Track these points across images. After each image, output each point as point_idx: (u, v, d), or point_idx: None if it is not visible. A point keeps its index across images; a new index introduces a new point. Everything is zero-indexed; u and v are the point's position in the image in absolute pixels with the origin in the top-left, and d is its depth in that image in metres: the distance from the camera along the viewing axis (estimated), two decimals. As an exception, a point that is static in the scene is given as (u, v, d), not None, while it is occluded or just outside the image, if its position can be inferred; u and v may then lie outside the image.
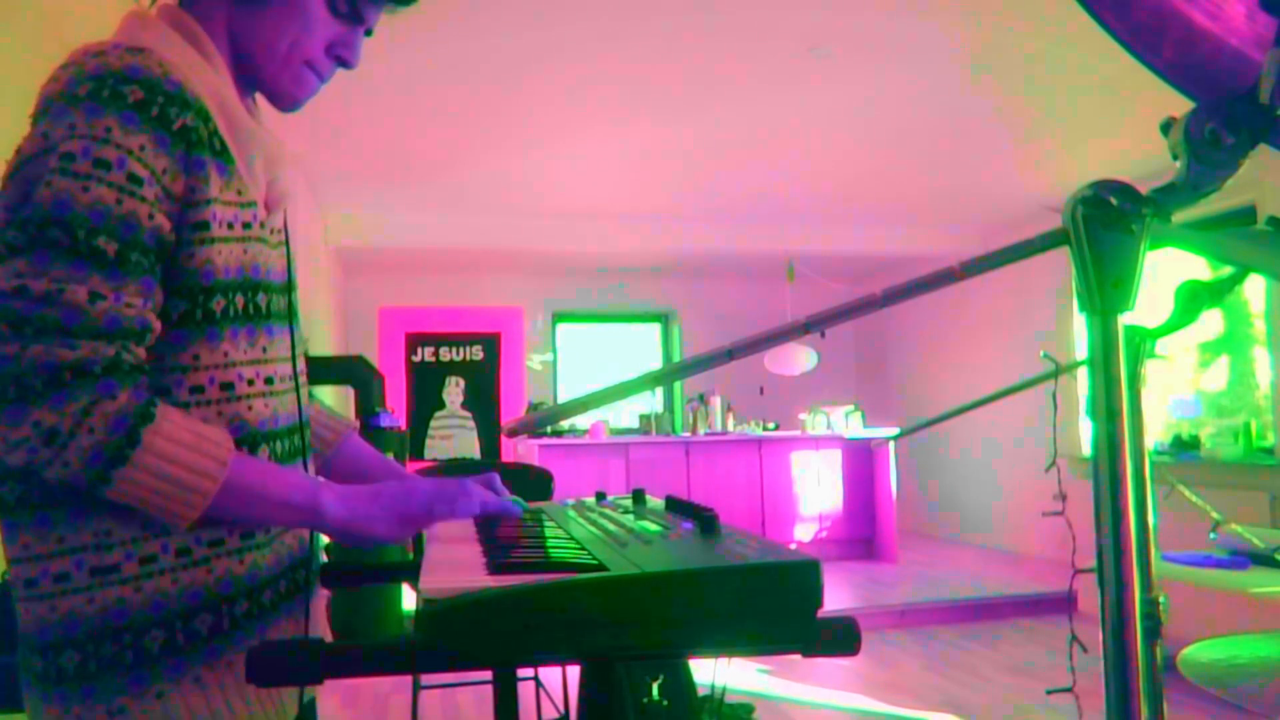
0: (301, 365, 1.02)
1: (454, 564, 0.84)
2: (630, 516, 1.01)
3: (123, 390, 0.74)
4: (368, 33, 0.98)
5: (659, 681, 0.88)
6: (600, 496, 1.24)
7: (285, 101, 0.97)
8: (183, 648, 0.81)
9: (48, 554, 0.80)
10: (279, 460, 0.93)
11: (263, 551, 0.90)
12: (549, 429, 6.13)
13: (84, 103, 0.77)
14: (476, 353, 7.59)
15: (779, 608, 0.65)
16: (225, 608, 0.85)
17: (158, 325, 0.80)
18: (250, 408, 0.88)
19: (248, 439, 0.88)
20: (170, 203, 0.80)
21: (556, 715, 2.35)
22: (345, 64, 0.98)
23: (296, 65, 0.94)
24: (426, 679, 2.56)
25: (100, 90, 0.77)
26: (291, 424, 0.96)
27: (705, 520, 0.86)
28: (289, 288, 1.00)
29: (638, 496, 1.18)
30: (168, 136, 0.79)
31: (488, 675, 1.81)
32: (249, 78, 0.95)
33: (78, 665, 0.79)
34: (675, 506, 1.04)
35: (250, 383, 0.89)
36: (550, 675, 2.87)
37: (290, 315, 0.99)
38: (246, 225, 0.88)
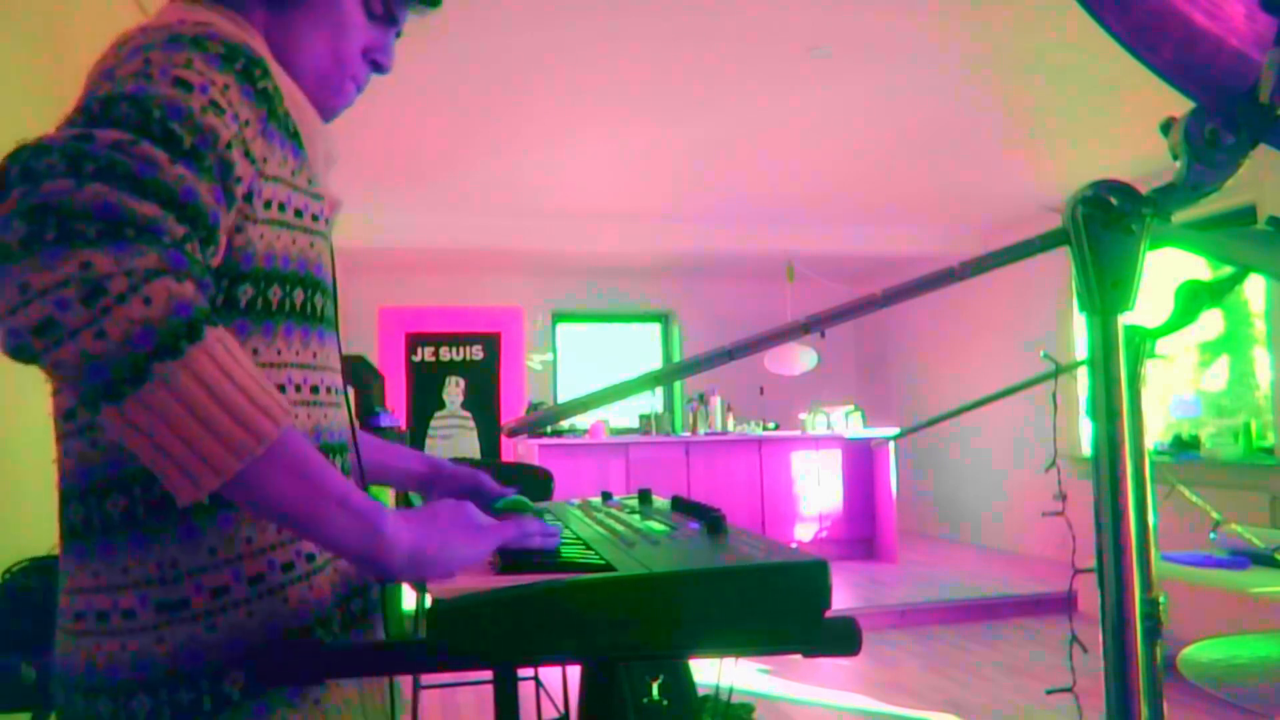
0: None
1: None
2: (637, 517, 1.01)
3: (188, 277, 0.58)
4: (397, 34, 0.96)
5: (659, 681, 0.88)
6: (606, 496, 1.24)
7: (322, 113, 0.91)
8: (266, 690, 0.71)
9: (117, 586, 0.69)
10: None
11: (325, 572, 0.77)
12: (549, 429, 6.13)
13: (161, 45, 0.68)
14: (476, 353, 7.60)
15: (787, 608, 0.65)
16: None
17: (223, 242, 0.67)
18: (297, 416, 0.77)
19: None
20: (247, 161, 0.70)
21: (556, 715, 2.35)
22: (380, 69, 0.94)
23: (336, 74, 0.90)
24: (426, 679, 2.56)
25: (180, 36, 0.69)
26: (339, 442, 0.85)
27: (712, 520, 0.86)
28: (335, 293, 0.93)
29: (644, 496, 1.18)
30: (252, 91, 0.71)
31: (488, 675, 1.81)
32: None
33: (149, 712, 0.68)
34: (682, 506, 1.04)
35: (298, 388, 0.78)
36: (550, 675, 2.87)
37: (336, 324, 0.91)
38: (315, 218, 0.81)
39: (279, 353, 0.76)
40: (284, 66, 0.86)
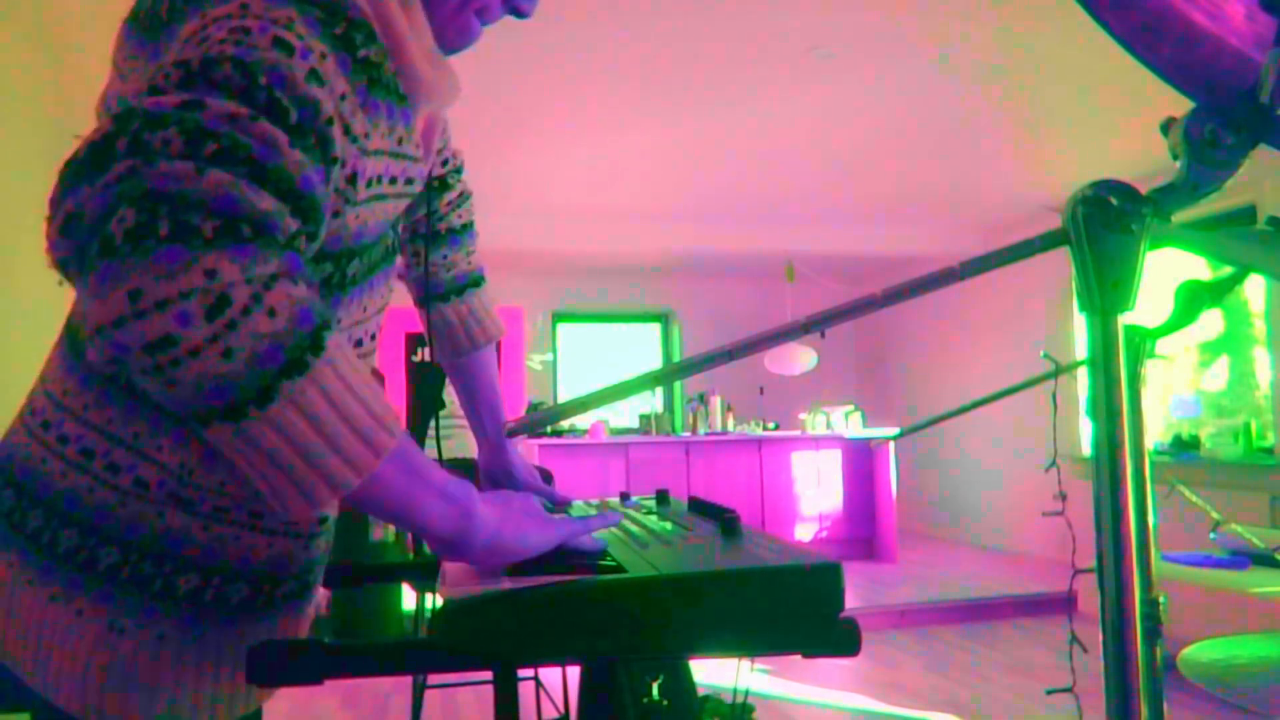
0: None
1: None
2: (653, 518, 1.01)
3: (302, 278, 0.54)
4: None
5: (659, 681, 0.88)
6: (625, 497, 1.24)
7: (447, 49, 0.83)
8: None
9: (142, 452, 0.68)
10: None
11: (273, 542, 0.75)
12: (549, 429, 6.13)
13: None
14: (476, 353, 7.59)
15: (799, 611, 0.65)
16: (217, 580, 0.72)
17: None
18: None
19: None
20: (347, 140, 0.64)
21: (556, 715, 2.35)
22: (520, 13, 0.85)
23: (467, 14, 0.81)
24: (428, 678, 2.56)
25: None
26: None
27: (727, 522, 0.86)
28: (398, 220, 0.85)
29: (662, 497, 1.18)
30: (350, 60, 0.65)
31: (488, 675, 1.81)
32: None
33: (114, 563, 0.68)
34: (698, 508, 1.04)
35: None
36: (550, 675, 2.87)
37: (392, 255, 0.84)
38: (410, 181, 0.76)
39: (338, 322, 0.75)
40: None
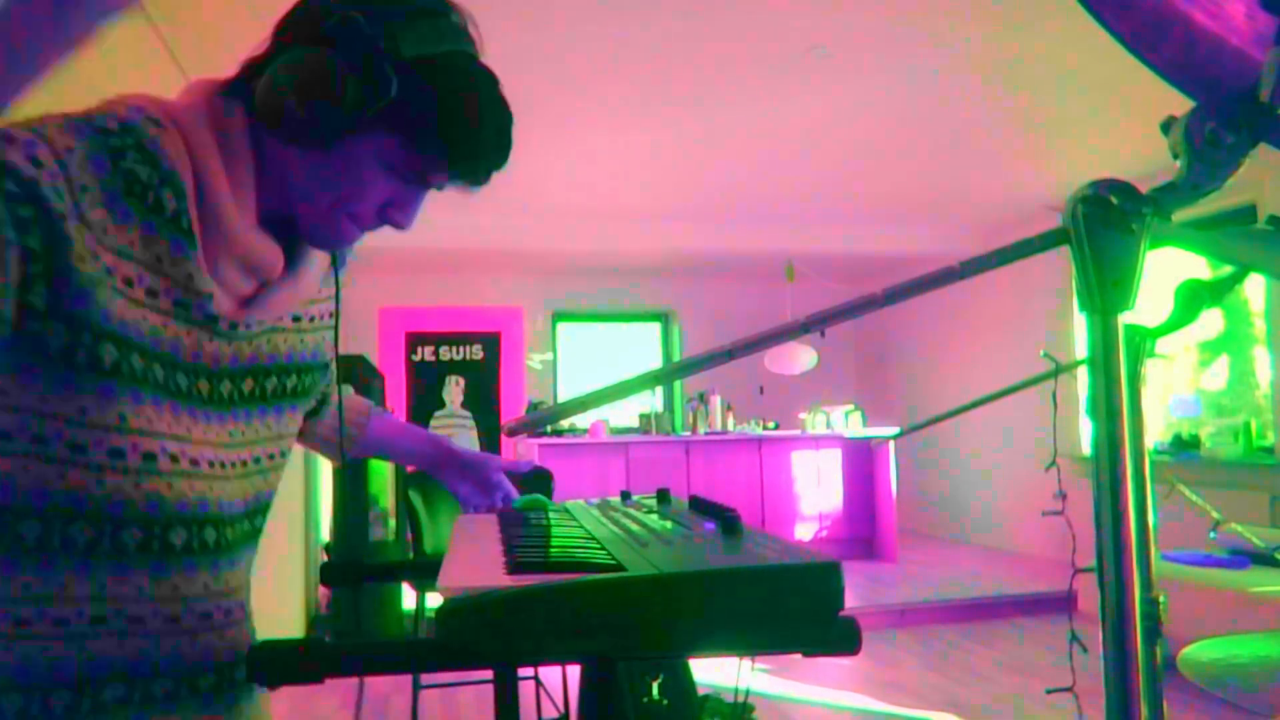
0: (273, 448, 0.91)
1: (473, 563, 0.84)
2: (654, 516, 1.01)
3: None
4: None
5: (659, 681, 0.88)
6: (625, 496, 1.24)
7: (322, 248, 0.87)
8: None
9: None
10: (226, 546, 0.84)
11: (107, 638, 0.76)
12: (549, 428, 6.13)
13: (79, 131, 0.70)
14: (476, 352, 7.60)
15: (799, 610, 0.65)
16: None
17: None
18: (172, 486, 0.78)
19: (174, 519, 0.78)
20: (90, 232, 0.69)
21: (556, 715, 2.35)
22: (397, 226, 0.85)
23: (340, 219, 0.82)
24: (426, 678, 2.56)
25: (110, 136, 0.71)
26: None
27: (727, 521, 0.86)
28: (262, 371, 0.88)
29: (662, 496, 1.18)
30: (119, 195, 0.71)
31: (488, 675, 1.81)
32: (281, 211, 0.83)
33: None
34: (699, 507, 1.04)
35: (174, 459, 0.78)
36: (550, 675, 2.87)
37: (256, 400, 0.87)
38: (183, 305, 0.77)
39: (149, 421, 0.75)
40: (280, 191, 0.81)
